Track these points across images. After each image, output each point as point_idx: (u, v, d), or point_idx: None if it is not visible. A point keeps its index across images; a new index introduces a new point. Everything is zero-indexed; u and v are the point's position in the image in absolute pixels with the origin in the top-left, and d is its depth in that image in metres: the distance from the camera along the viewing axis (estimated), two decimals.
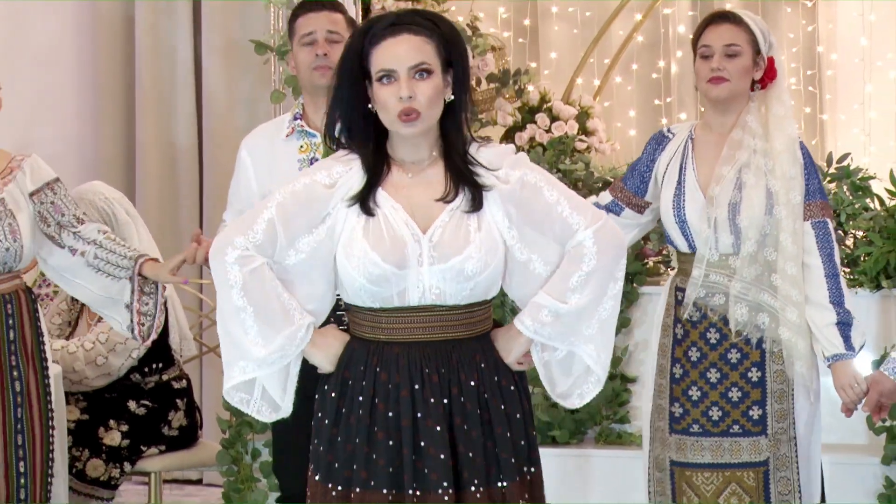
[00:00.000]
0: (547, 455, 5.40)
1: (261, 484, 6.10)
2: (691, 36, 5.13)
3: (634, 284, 6.42)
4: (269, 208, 3.80)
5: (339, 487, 3.84)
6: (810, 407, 4.88)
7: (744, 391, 4.86)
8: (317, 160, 5.09)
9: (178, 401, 6.43)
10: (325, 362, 3.86)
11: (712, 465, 4.88)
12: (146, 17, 8.76)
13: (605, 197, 5.12)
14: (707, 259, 4.87)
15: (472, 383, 3.82)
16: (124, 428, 6.28)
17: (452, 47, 3.81)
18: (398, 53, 3.75)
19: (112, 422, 6.26)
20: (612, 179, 6.03)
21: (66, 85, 8.98)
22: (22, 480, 4.98)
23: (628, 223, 5.05)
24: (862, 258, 5.86)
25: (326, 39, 5.18)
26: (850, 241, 5.98)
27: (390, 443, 3.78)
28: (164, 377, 6.38)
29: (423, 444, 3.78)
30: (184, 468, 6.87)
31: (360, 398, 3.81)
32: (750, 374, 4.87)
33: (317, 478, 3.90)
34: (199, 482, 8.53)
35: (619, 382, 6.11)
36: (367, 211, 3.79)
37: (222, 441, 6.19)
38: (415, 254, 3.77)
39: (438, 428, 3.77)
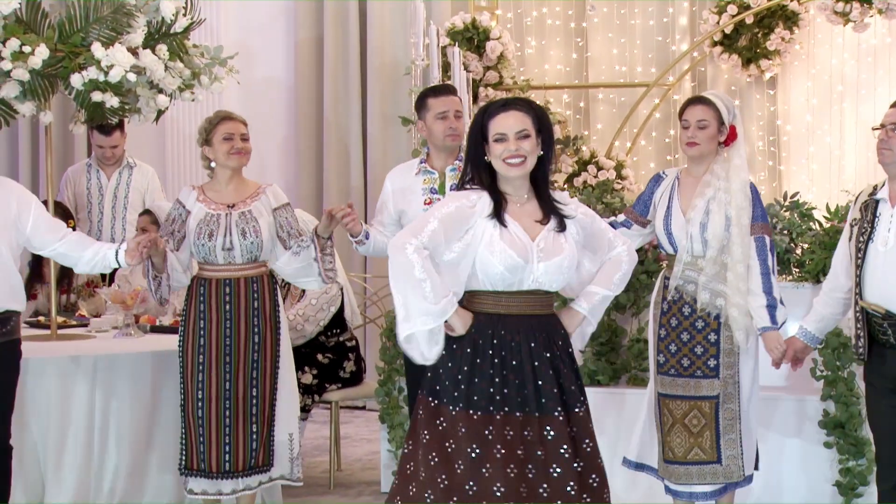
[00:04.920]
0: (595, 392, 5.41)
1: (403, 410, 6.13)
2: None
3: (653, 279, 6.36)
4: (432, 221, 3.76)
5: (479, 413, 3.79)
6: (750, 363, 4.85)
7: (704, 348, 4.83)
8: (434, 189, 5.16)
9: (349, 354, 6.43)
10: (461, 326, 3.79)
11: (682, 397, 4.87)
12: (330, 99, 8.76)
13: (621, 217, 5.12)
14: (684, 260, 4.87)
15: (560, 343, 3.89)
16: (314, 371, 6.30)
17: (542, 122, 3.87)
18: (509, 123, 3.81)
19: (306, 367, 6.27)
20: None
21: (280, 146, 9.05)
22: (254, 401, 5.03)
23: (635, 234, 5.05)
24: (807, 262, 5.80)
25: (455, 116, 5.17)
26: (799, 251, 5.91)
27: (516, 382, 3.79)
28: (341, 339, 6.39)
29: (539, 381, 3.80)
30: (353, 399, 6.85)
31: (490, 351, 3.80)
32: (710, 337, 4.84)
33: (433, 401, 3.86)
34: (363, 408, 8.53)
35: (642, 344, 6.06)
36: (503, 223, 3.80)
37: (378, 381, 6.20)
38: (532, 254, 3.80)
39: (547, 370, 3.84)
